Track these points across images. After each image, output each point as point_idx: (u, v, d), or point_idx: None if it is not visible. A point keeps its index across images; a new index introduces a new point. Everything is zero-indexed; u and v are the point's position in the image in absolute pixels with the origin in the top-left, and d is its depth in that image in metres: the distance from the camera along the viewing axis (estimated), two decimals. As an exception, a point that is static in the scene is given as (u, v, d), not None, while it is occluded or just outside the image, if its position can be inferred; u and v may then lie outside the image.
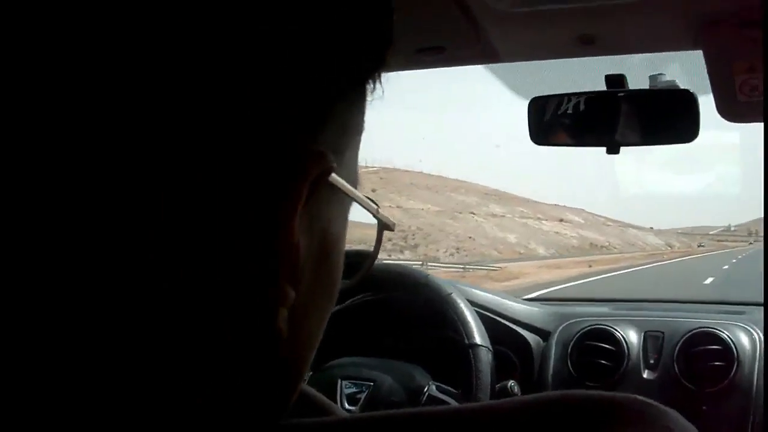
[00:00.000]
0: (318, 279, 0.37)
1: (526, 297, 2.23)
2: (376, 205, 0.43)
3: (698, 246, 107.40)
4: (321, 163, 0.33)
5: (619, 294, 13.21)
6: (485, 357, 1.56)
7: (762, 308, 2.05)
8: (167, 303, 0.30)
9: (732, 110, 1.25)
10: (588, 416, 0.54)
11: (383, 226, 0.45)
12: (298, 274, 0.34)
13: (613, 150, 1.43)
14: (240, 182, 0.31)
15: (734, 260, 38.75)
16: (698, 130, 1.34)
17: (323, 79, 0.34)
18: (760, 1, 1.09)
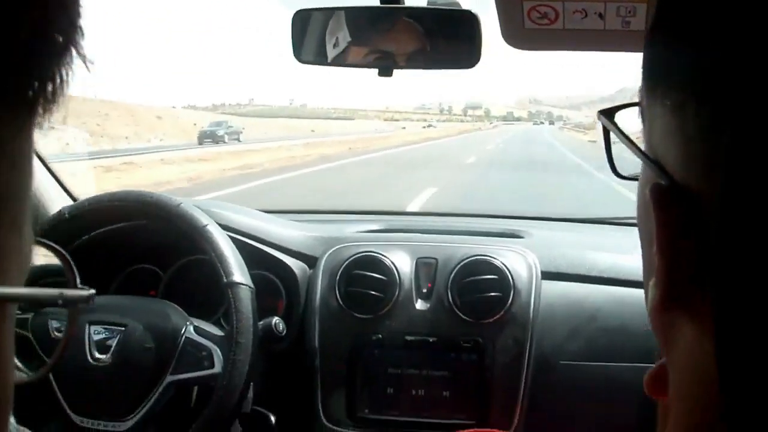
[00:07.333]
0: None
1: (285, 210, 2.09)
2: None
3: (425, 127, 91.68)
4: None
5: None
6: (246, 296, 1.41)
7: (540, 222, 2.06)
8: None
9: (518, 37, 1.13)
10: None
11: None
12: None
13: (385, 73, 1.29)
14: None
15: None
16: (479, 56, 1.22)
17: None
18: None
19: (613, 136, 0.52)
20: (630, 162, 0.58)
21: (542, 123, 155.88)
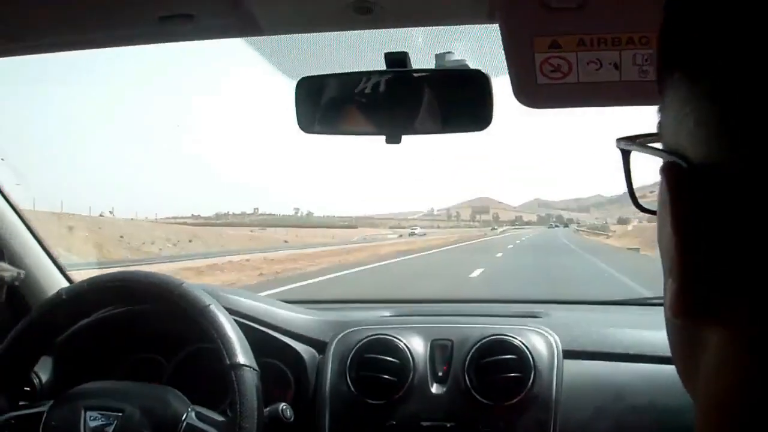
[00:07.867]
0: None
1: (296, 300, 2.02)
2: None
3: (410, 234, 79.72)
4: None
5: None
6: (250, 379, 1.33)
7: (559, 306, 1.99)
8: None
9: (531, 94, 1.10)
10: None
11: None
12: None
13: (393, 139, 1.25)
14: None
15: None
16: (491, 116, 1.18)
17: None
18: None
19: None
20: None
21: (557, 226, 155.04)
